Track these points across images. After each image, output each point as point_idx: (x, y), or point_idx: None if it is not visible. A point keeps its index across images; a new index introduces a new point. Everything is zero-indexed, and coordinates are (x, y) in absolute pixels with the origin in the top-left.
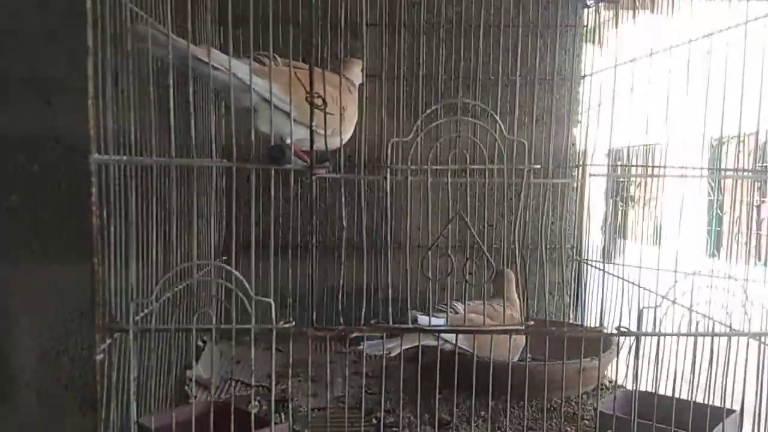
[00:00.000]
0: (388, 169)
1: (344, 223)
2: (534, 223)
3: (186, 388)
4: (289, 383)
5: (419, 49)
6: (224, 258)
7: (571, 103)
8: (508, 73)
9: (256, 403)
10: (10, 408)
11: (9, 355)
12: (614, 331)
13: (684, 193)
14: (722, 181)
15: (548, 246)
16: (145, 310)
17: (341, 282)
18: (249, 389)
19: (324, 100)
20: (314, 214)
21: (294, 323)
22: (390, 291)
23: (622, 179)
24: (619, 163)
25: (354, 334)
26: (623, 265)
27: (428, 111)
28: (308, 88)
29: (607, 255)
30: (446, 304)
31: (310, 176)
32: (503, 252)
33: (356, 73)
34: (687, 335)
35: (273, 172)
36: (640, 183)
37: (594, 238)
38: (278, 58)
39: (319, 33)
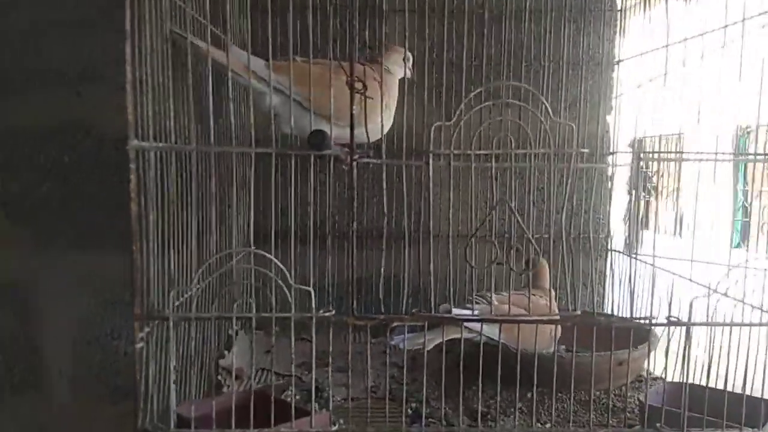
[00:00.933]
0: (431, 155)
1: (385, 210)
2: (567, 212)
3: (219, 377)
4: (329, 372)
5: (450, 34)
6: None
7: (606, 89)
8: (540, 58)
9: (290, 392)
10: (43, 397)
11: (42, 344)
12: (664, 321)
13: (709, 181)
14: (747, 170)
15: (581, 235)
16: (183, 298)
17: (382, 270)
18: (282, 379)
19: (365, 84)
20: (353, 201)
21: (333, 312)
22: (431, 280)
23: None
24: (646, 150)
25: (395, 324)
26: (654, 256)
27: (473, 93)
28: (349, 76)
29: (630, 246)
30: (480, 296)
31: (350, 161)
32: (542, 241)
33: (396, 61)
34: (740, 325)
35: (312, 158)
36: (663, 173)
37: (616, 228)
38: (297, 58)
39: (350, 18)
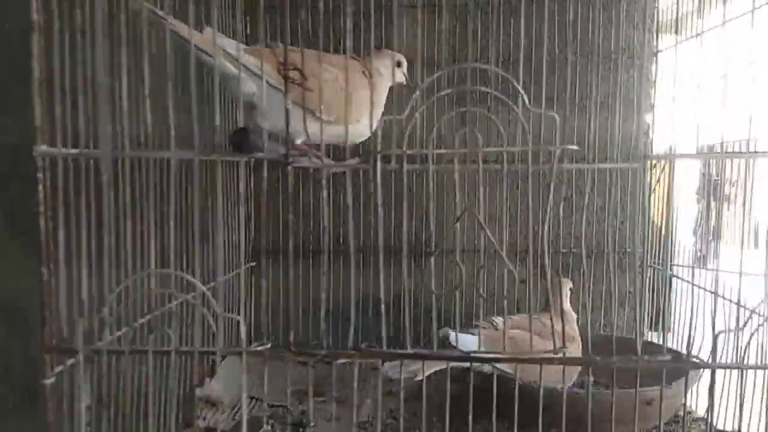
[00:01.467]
0: (379, 156)
1: (325, 222)
2: (599, 224)
3: (196, 406)
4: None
5: (464, 30)
6: (253, 264)
7: (642, 85)
8: (566, 51)
9: (269, 427)
10: None
11: None
12: (682, 363)
13: None
14: None
15: (616, 250)
16: (107, 329)
17: (323, 296)
18: (270, 409)
19: (303, 74)
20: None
21: (269, 345)
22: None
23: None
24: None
25: (340, 360)
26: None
27: (431, 77)
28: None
29: (700, 260)
30: (489, 320)
31: (284, 166)
32: (570, 256)
33: (386, 65)
34: None
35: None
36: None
37: (684, 241)
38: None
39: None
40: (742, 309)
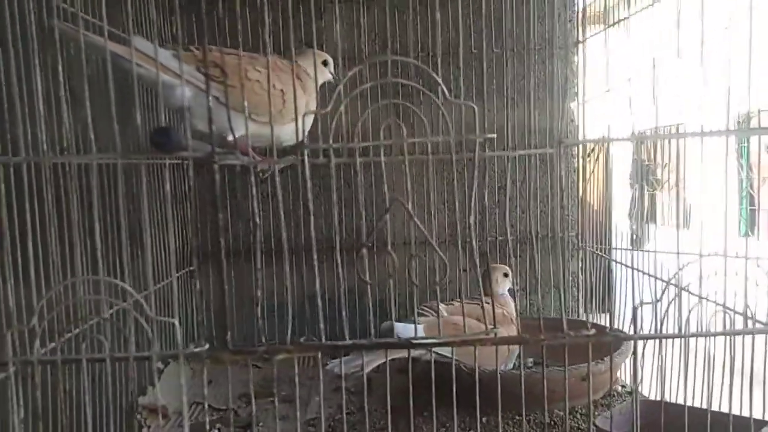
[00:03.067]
0: (306, 151)
1: (259, 219)
2: (533, 210)
3: (138, 417)
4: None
5: (393, 25)
6: (191, 268)
7: (566, 75)
8: (492, 45)
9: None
10: None
11: None
12: (606, 336)
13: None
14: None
15: (549, 235)
16: (37, 340)
17: (258, 293)
18: (217, 414)
19: (224, 71)
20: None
21: (207, 346)
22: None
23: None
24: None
25: (280, 356)
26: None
27: (352, 71)
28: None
29: (636, 242)
30: (428, 306)
31: (210, 163)
32: (506, 243)
33: (311, 64)
34: (696, 335)
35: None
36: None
37: (620, 224)
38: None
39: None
40: (659, 282)
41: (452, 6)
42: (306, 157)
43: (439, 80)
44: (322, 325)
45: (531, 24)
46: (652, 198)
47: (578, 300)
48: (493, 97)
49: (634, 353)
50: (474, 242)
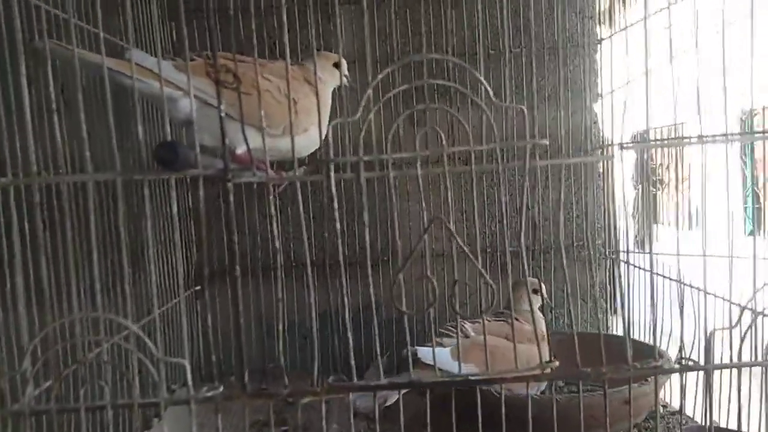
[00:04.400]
0: (332, 165)
1: (278, 238)
2: (555, 219)
3: None
4: None
5: (403, 25)
6: (197, 288)
7: (589, 74)
8: (511, 44)
9: None
10: None
11: None
12: (675, 366)
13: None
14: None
15: (574, 244)
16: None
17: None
18: None
19: (237, 77)
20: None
21: (221, 389)
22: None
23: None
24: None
25: (305, 400)
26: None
27: (382, 73)
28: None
29: (640, 244)
30: (452, 327)
31: (224, 181)
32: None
33: (325, 67)
34: None
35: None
36: (669, 165)
37: (624, 226)
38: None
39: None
40: (732, 305)
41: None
42: (332, 172)
43: (482, 79)
44: (353, 362)
45: (555, 21)
46: (654, 198)
47: (606, 312)
48: (516, 100)
49: (709, 385)
50: (524, 259)
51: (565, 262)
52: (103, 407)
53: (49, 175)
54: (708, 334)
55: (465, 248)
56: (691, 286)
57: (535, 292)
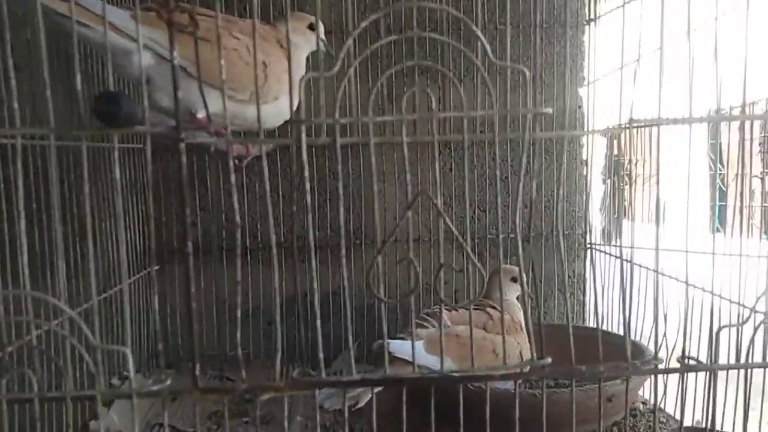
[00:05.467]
0: (303, 126)
1: (237, 218)
2: (536, 206)
3: None
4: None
5: None
6: (156, 268)
7: (575, 57)
8: (495, 21)
9: None
10: None
11: None
12: (677, 365)
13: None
14: (723, 153)
15: (553, 232)
16: None
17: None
18: None
19: (194, 19)
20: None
21: (169, 382)
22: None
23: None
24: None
25: (264, 396)
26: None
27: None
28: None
29: (607, 237)
30: (428, 314)
31: (176, 141)
32: (508, 241)
33: (298, 29)
34: None
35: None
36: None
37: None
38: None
39: None
40: (740, 307)
41: None
42: (303, 137)
43: (479, 33)
44: (321, 354)
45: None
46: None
47: (583, 304)
48: (503, 77)
49: (713, 385)
50: (520, 243)
51: (543, 251)
52: (30, 400)
53: None
54: (714, 333)
55: (453, 228)
56: (694, 285)
57: (514, 280)
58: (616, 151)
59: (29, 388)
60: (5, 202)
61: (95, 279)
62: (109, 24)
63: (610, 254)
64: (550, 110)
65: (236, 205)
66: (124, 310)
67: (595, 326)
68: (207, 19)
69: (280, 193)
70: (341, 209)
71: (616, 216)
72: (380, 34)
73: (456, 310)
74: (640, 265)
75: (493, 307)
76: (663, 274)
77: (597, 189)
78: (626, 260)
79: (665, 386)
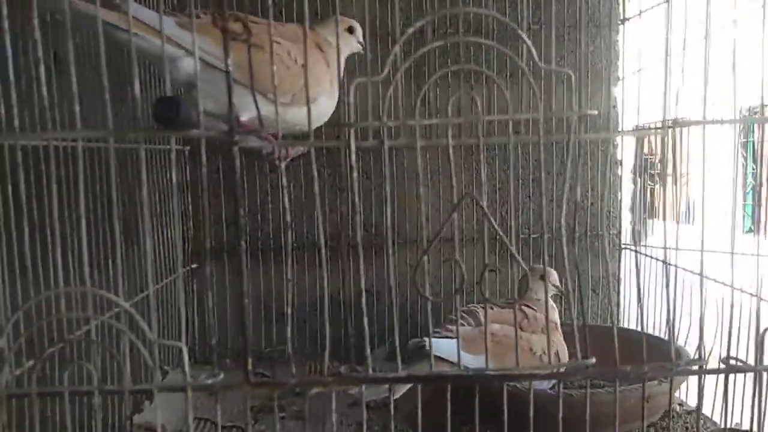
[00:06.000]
0: (351, 130)
1: (289, 217)
2: (570, 207)
3: None
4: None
5: None
6: (194, 266)
7: (610, 56)
8: (530, 21)
9: None
10: None
11: None
12: (721, 366)
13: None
14: (757, 150)
15: (588, 233)
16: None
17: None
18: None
19: (247, 27)
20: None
21: (221, 376)
22: (369, 311)
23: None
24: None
25: (313, 391)
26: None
27: (429, 47)
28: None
29: (636, 237)
30: (465, 311)
31: (230, 144)
32: (540, 242)
33: (334, 32)
34: None
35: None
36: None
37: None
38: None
39: None
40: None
41: None
42: (353, 139)
43: (524, 36)
44: (368, 351)
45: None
46: (652, 193)
47: (618, 305)
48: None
49: (759, 387)
50: (564, 243)
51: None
52: (90, 393)
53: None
54: (761, 335)
55: (497, 228)
56: (741, 289)
57: (541, 278)
58: (646, 151)
59: (88, 381)
60: (68, 202)
61: (152, 271)
62: (155, 31)
63: (650, 256)
64: (595, 112)
65: (287, 204)
66: (181, 305)
67: (628, 327)
68: (252, 25)
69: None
70: (388, 210)
71: (645, 216)
72: (425, 39)
73: (491, 308)
74: (685, 269)
75: (528, 306)
76: (708, 278)
77: (627, 189)
78: (671, 264)
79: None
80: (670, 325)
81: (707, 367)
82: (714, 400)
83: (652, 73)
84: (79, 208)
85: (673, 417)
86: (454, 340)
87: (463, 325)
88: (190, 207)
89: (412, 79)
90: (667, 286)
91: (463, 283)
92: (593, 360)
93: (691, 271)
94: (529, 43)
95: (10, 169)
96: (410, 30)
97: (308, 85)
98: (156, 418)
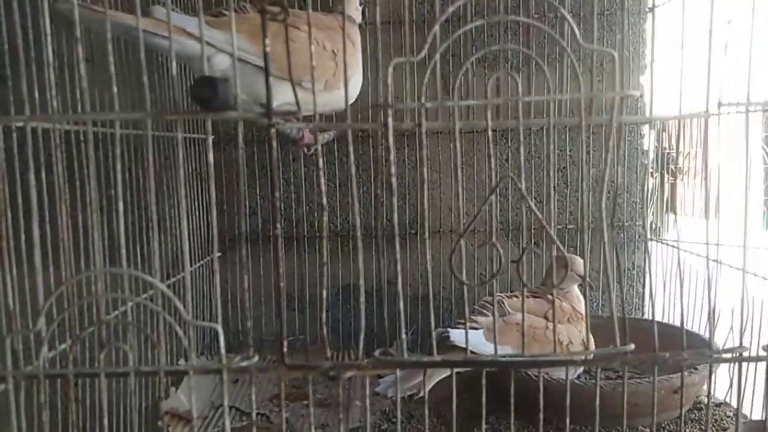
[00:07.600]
0: (390, 111)
1: (324, 201)
2: (594, 197)
3: (159, 423)
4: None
5: None
6: (218, 255)
7: (637, 44)
8: (555, 9)
9: None
10: None
11: None
12: (762, 353)
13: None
14: None
15: (615, 224)
16: (44, 347)
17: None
18: (246, 419)
19: (284, 8)
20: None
21: (256, 358)
22: (404, 298)
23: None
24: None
25: (348, 374)
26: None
27: (464, 28)
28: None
29: (655, 231)
30: (487, 302)
31: (267, 129)
32: (566, 233)
33: (352, 8)
34: None
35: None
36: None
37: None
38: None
39: None
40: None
41: None
42: (390, 121)
43: (566, 14)
44: (404, 335)
45: None
46: (672, 187)
47: (642, 297)
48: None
49: None
50: (606, 232)
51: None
52: (126, 374)
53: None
54: None
55: (537, 212)
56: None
57: (564, 267)
58: (665, 145)
59: (124, 362)
60: (104, 184)
61: (188, 254)
62: (185, 33)
63: (677, 248)
64: (638, 93)
65: (323, 187)
66: (216, 287)
67: (651, 318)
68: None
69: (337, 182)
70: (426, 196)
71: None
72: (465, 20)
73: (516, 297)
74: (720, 262)
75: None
76: (748, 272)
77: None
78: (713, 260)
79: (731, 379)
80: (711, 314)
81: (748, 355)
82: (741, 392)
83: (686, 60)
84: (117, 190)
85: (701, 408)
86: (479, 331)
87: (486, 315)
88: (243, 193)
89: (450, 62)
90: (708, 278)
91: (501, 266)
92: (632, 346)
93: (729, 265)
94: (573, 23)
95: (44, 153)
96: (451, 9)
97: (337, 69)
98: (181, 403)
